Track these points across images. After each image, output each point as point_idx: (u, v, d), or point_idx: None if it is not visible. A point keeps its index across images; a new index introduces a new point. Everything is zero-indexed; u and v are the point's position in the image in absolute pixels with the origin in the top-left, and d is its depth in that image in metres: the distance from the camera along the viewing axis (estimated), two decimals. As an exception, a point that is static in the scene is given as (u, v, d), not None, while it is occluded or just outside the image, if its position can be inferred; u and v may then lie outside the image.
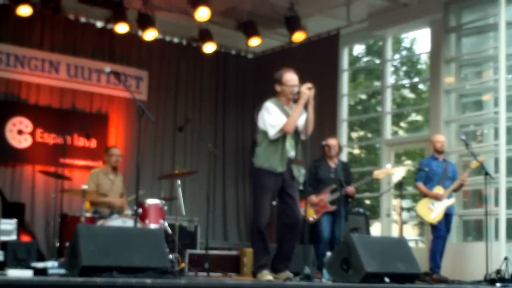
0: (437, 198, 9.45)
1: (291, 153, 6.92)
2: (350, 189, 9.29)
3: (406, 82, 19.87)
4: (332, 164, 9.46)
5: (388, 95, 13.09)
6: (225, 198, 13.90)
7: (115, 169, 9.87)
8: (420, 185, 9.67)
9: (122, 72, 12.25)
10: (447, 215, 9.52)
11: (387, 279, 6.03)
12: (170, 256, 8.46)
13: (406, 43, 20.10)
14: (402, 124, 20.06)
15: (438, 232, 9.46)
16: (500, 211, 9.86)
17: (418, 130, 18.86)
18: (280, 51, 13.87)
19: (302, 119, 6.87)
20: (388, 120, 12.97)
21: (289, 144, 6.90)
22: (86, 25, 12.47)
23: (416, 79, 19.78)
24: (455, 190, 9.67)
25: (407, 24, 12.51)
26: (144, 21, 11.87)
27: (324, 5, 12.16)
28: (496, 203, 10.15)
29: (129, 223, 8.41)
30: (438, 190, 9.50)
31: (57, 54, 12.09)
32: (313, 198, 9.26)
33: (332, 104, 12.77)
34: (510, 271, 8.91)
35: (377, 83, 18.08)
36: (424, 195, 9.63)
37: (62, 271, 6.41)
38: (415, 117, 19.97)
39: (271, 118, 6.82)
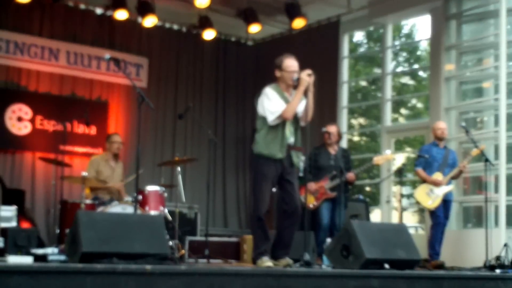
0: (436, 184, 9.45)
1: (291, 140, 6.92)
2: (350, 175, 9.29)
3: (406, 69, 19.85)
4: (332, 151, 9.45)
5: (388, 82, 13.08)
6: (225, 185, 13.92)
7: (116, 157, 9.88)
8: (420, 170, 9.66)
9: (122, 59, 12.24)
10: (446, 202, 9.51)
11: (387, 266, 6.04)
12: (170, 243, 8.48)
13: (406, 30, 20.08)
14: (403, 111, 20.05)
15: (437, 219, 9.46)
16: (500, 198, 9.85)
17: (418, 117, 18.86)
18: (280, 38, 13.85)
19: (301, 105, 6.87)
20: (388, 107, 12.96)
21: (289, 130, 6.89)
22: (85, 12, 12.45)
23: (416, 66, 19.76)
24: (454, 178, 9.69)
25: (408, 11, 12.46)
26: (144, 8, 11.84)
27: (324, -8, 12.15)
28: (496, 190, 10.14)
29: (129, 209, 8.42)
30: (437, 176, 9.50)
31: (57, 41, 12.07)
32: (312, 185, 9.26)
33: (332, 91, 12.77)
34: (510, 257, 8.92)
35: (377, 70, 18.07)
36: (423, 181, 9.63)
37: (62, 257, 6.42)
38: (415, 103, 19.97)
39: (271, 104, 6.81)
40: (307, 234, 6.71)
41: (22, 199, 10.58)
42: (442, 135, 9.73)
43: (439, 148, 9.70)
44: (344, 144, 12.45)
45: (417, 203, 9.82)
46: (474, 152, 9.44)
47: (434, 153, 9.63)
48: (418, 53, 19.78)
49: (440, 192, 9.45)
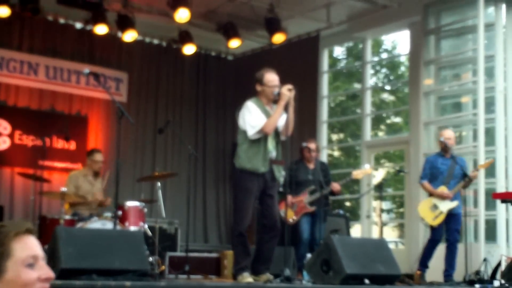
0: (443, 197, 8.92)
1: (273, 154, 6.92)
2: (335, 185, 9.27)
3: (386, 84, 19.95)
4: (311, 165, 9.46)
5: (368, 97, 13.14)
6: (206, 201, 13.88)
7: (96, 174, 9.78)
8: (425, 183, 9.13)
9: (102, 73, 12.18)
10: (453, 216, 8.97)
11: (367, 281, 6.04)
12: (150, 259, 8.43)
13: (387, 46, 20.19)
14: (382, 126, 20.13)
15: (435, 235, 9.01)
16: (479, 213, 9.89)
17: (398, 132, 18.94)
18: (260, 52, 13.87)
19: (282, 120, 6.88)
20: (368, 122, 13.01)
21: (271, 144, 6.90)
22: (65, 26, 12.42)
23: (396, 82, 19.86)
24: (464, 186, 9.04)
25: (387, 26, 12.56)
26: (124, 23, 11.82)
27: (304, 7, 12.19)
28: (475, 204, 10.19)
29: (109, 225, 8.37)
30: (443, 189, 8.97)
31: (36, 55, 12.02)
32: (291, 198, 9.23)
33: (312, 106, 12.79)
34: (489, 272, 8.94)
35: (357, 85, 18.15)
36: (430, 194, 9.12)
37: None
38: (395, 120, 20.07)
39: (252, 118, 6.82)
40: (287, 249, 6.70)
41: (0, 214, 10.50)
42: (444, 146, 9.08)
43: (445, 158, 9.10)
44: (323, 159, 12.47)
45: (420, 217, 9.27)
46: (481, 166, 9.30)
47: (438, 165, 9.08)
48: (400, 69, 19.89)
49: (444, 208, 8.93)
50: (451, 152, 9.11)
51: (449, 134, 9.19)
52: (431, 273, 9.19)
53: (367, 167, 9.79)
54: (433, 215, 8.98)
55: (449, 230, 9.01)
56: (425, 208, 9.09)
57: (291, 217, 9.23)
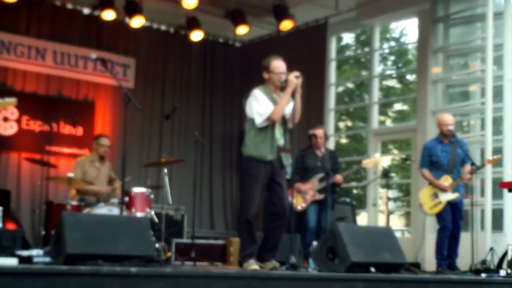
0: (441, 188, 8.78)
1: (280, 141, 6.91)
2: (338, 177, 9.28)
3: (393, 72, 19.87)
4: (319, 153, 9.45)
5: (376, 84, 13.11)
6: (212, 187, 13.89)
7: (102, 158, 9.81)
8: (426, 171, 8.97)
9: (109, 59, 12.16)
10: (455, 204, 8.85)
11: (372, 269, 6.03)
12: (157, 245, 8.45)
13: (395, 34, 20.11)
14: (390, 114, 20.08)
15: (442, 222, 8.84)
16: (486, 202, 9.87)
17: (405, 120, 18.89)
18: (267, 39, 13.84)
19: (289, 107, 6.86)
20: (375, 109, 12.99)
21: (278, 132, 6.89)
22: (73, 11, 12.40)
23: (403, 69, 19.78)
24: (471, 172, 8.81)
25: (395, 14, 12.50)
26: (132, 8, 11.82)
27: (312, -6, 12.16)
28: (482, 193, 10.17)
29: (115, 211, 8.38)
30: (445, 180, 8.83)
31: (44, 40, 12.01)
32: (300, 185, 9.25)
33: (319, 93, 12.78)
34: (495, 261, 8.92)
35: (364, 73, 18.09)
36: (430, 183, 8.97)
37: (47, 259, 6.38)
38: (402, 107, 20.01)
39: (259, 106, 6.80)
40: (293, 236, 6.70)
41: (7, 199, 10.52)
42: (448, 132, 8.90)
43: (444, 145, 8.93)
44: (331, 146, 12.45)
45: (419, 204, 9.10)
46: (489, 161, 9.19)
47: (438, 152, 8.91)
48: (407, 56, 19.81)
49: (443, 198, 8.81)
50: (450, 137, 8.97)
51: (452, 120, 9.00)
52: (433, 262, 9.18)
53: (377, 156, 9.75)
54: (432, 204, 8.92)
55: (452, 219, 8.91)
56: (426, 195, 9.01)
57: (300, 204, 9.24)
